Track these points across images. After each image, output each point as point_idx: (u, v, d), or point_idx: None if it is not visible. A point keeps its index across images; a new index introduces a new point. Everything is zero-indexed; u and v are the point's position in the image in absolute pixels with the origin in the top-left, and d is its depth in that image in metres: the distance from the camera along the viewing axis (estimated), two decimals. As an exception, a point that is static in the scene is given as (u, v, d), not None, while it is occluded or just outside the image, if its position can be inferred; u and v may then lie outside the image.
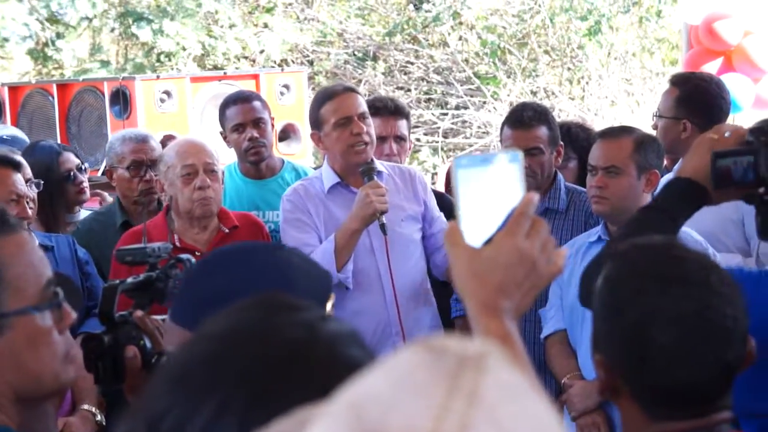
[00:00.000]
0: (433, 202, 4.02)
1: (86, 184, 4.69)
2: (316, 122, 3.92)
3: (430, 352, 0.79)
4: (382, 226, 3.70)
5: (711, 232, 3.86)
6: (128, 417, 1.08)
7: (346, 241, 3.74)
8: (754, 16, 6.61)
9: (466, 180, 1.40)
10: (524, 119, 3.95)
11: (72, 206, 4.65)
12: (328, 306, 1.68)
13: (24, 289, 1.57)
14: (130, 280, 2.15)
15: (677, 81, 4.26)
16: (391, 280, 3.80)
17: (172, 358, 1.10)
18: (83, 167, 4.71)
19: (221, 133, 4.61)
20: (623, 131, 3.77)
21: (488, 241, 1.39)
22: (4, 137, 5.49)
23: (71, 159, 4.69)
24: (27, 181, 3.86)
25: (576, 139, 4.46)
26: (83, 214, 4.72)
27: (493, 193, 1.40)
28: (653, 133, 4.16)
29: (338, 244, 3.75)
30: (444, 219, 4.01)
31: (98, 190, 5.41)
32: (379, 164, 3.96)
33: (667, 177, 4.25)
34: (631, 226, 2.17)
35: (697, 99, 4.13)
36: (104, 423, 3.32)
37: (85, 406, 3.23)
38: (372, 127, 3.88)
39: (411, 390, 0.76)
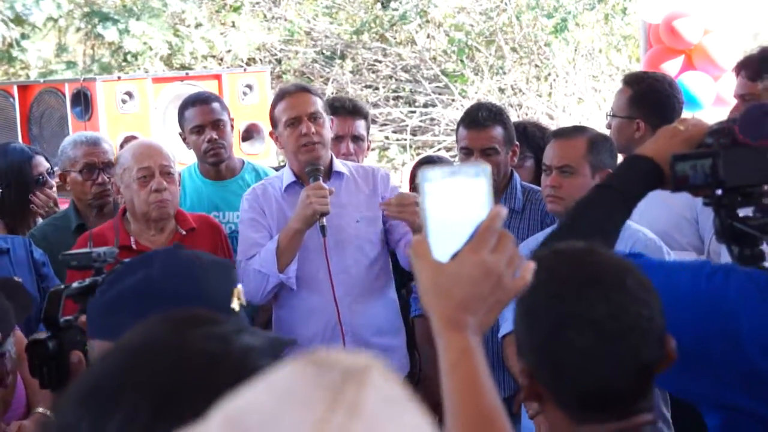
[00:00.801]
0: (393, 187, 3.99)
1: (55, 188, 4.68)
2: (272, 121, 3.96)
3: (315, 365, 0.80)
4: (322, 228, 3.71)
5: (665, 230, 3.89)
6: (41, 430, 1.09)
7: (288, 241, 3.75)
8: (713, 14, 6.67)
9: (433, 193, 1.40)
10: (479, 119, 3.97)
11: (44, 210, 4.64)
12: (235, 297, 1.69)
13: None
14: (75, 284, 2.15)
15: (630, 80, 4.28)
16: (331, 281, 3.81)
17: (85, 372, 1.11)
18: (52, 171, 4.70)
19: (180, 135, 4.61)
20: (576, 131, 3.80)
21: (454, 256, 1.39)
22: None
23: (42, 163, 4.68)
24: None
25: (532, 138, 4.49)
26: None
27: (460, 207, 1.40)
28: (607, 132, 4.18)
29: (280, 245, 3.76)
30: None
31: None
32: (341, 164, 3.97)
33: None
34: (582, 207, 2.15)
35: (650, 98, 4.16)
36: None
37: (40, 410, 3.22)
38: (325, 127, 3.88)
39: (293, 403, 0.77)
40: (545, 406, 1.72)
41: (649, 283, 1.74)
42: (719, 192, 2.09)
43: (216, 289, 1.68)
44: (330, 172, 3.92)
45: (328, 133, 3.91)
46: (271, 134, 4.04)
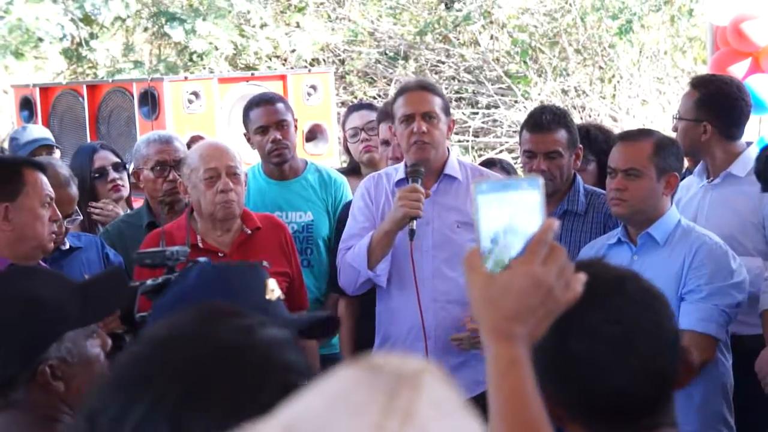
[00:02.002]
0: None
1: (122, 181, 4.75)
2: (392, 116, 3.96)
3: (368, 370, 0.81)
4: (411, 232, 3.69)
5: (731, 234, 3.86)
6: (75, 415, 1.15)
7: (379, 241, 3.77)
8: (782, 16, 6.57)
9: (487, 205, 1.42)
10: (543, 123, 3.96)
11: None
12: (268, 290, 1.78)
13: None
14: (149, 282, 2.20)
15: (697, 83, 4.26)
16: (416, 285, 3.79)
17: (116, 361, 1.16)
18: (124, 165, 4.77)
19: (245, 135, 4.66)
20: (642, 134, 3.78)
21: (506, 267, 1.41)
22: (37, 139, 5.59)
23: (107, 156, 4.76)
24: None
25: (595, 141, 4.47)
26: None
27: (512, 219, 1.42)
28: (673, 135, 4.16)
29: (372, 243, 3.78)
30: None
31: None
32: (457, 166, 3.93)
33: (688, 179, 4.27)
34: None
35: (717, 101, 4.13)
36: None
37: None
38: (439, 127, 3.83)
39: (347, 409, 0.78)
40: (567, 426, 1.68)
41: (655, 289, 1.70)
42: None
43: (247, 288, 1.75)
44: (440, 174, 3.90)
45: (442, 134, 3.86)
46: (389, 128, 4.06)
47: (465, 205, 3.86)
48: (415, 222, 3.70)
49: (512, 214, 1.42)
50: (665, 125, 9.95)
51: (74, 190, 3.97)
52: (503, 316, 1.39)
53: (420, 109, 3.81)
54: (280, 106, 4.58)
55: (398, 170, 3.95)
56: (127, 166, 4.81)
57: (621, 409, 1.65)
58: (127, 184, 4.81)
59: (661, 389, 1.67)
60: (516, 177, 1.41)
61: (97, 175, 4.66)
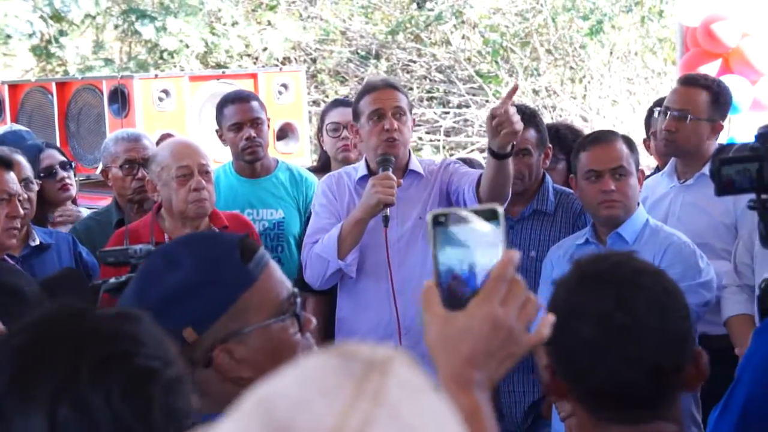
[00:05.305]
0: (455, 165, 3.93)
1: (70, 180, 4.70)
2: (355, 114, 3.94)
3: (340, 356, 0.85)
4: (385, 218, 3.69)
5: (702, 236, 3.87)
6: None
7: (350, 229, 3.75)
8: (752, 18, 6.62)
9: (444, 239, 1.33)
10: (513, 121, 3.97)
11: (55, 204, 4.66)
12: None
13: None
14: (112, 280, 2.19)
15: (705, 83, 4.17)
16: (390, 275, 3.80)
17: None
18: (70, 164, 4.73)
19: (217, 132, 4.66)
20: (612, 134, 3.81)
21: (464, 305, 1.32)
22: (8, 135, 5.54)
23: (54, 155, 4.71)
24: (22, 180, 3.90)
25: (565, 140, 4.47)
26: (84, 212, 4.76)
27: (472, 253, 1.33)
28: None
29: (343, 232, 3.76)
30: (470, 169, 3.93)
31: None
32: (417, 164, 3.94)
33: (653, 178, 4.28)
34: None
35: (725, 101, 4.14)
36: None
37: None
38: (407, 125, 3.85)
39: (319, 391, 0.82)
40: (573, 404, 1.72)
41: (679, 291, 1.73)
42: (764, 196, 2.08)
43: None
44: (405, 170, 3.90)
45: (409, 133, 3.89)
46: (351, 126, 4.03)
47: (426, 197, 3.89)
48: (389, 209, 3.70)
49: (471, 247, 1.33)
50: (635, 125, 9.99)
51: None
52: (461, 360, 1.31)
53: (391, 105, 3.82)
54: (254, 104, 4.59)
55: (358, 169, 3.96)
56: (87, 164, 4.78)
57: (617, 397, 1.68)
58: (74, 183, 4.78)
59: (660, 384, 1.69)
60: (474, 206, 1.32)
61: (44, 174, 4.59)
